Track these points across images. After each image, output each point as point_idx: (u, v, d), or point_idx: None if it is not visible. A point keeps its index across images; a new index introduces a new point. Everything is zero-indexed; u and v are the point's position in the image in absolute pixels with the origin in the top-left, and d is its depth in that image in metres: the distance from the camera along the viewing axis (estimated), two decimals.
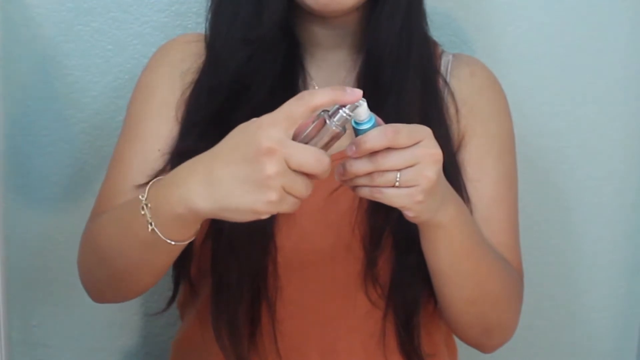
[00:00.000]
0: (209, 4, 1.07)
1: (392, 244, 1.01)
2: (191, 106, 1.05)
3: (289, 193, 0.78)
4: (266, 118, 0.79)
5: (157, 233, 0.86)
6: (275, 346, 1.03)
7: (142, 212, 0.86)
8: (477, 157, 1.07)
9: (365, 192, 0.84)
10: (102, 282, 1.02)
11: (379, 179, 0.82)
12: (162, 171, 1.02)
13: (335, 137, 0.81)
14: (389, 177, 0.82)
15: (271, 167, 0.77)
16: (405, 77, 1.04)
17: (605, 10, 1.36)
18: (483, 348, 1.09)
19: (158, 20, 1.30)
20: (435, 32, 1.17)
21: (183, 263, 1.07)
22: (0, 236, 1.28)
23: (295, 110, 0.79)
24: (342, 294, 1.04)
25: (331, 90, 0.79)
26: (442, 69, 1.10)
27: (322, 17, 1.04)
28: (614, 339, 1.48)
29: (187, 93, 1.06)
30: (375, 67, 1.04)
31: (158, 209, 0.85)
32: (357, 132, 0.82)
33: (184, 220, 0.84)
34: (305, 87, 1.06)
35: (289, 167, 0.77)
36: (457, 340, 1.15)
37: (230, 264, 1.01)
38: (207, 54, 1.07)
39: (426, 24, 1.09)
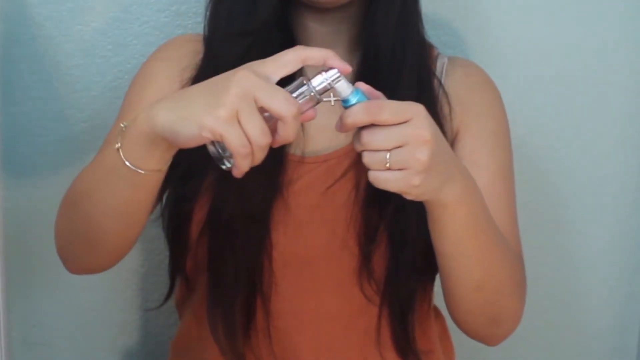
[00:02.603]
0: (208, 1, 1.08)
1: (387, 240, 1.01)
2: None
3: (240, 124, 0.76)
4: (257, 60, 0.80)
5: (120, 154, 0.85)
6: (270, 342, 1.03)
7: (117, 136, 0.86)
8: (471, 152, 1.07)
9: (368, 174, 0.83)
10: (75, 236, 0.99)
11: (368, 159, 0.81)
12: None
13: (310, 103, 0.80)
14: (378, 158, 0.80)
15: (235, 88, 0.76)
16: (400, 75, 1.04)
17: (605, 10, 1.36)
18: (489, 339, 1.08)
19: (158, 20, 1.31)
20: (435, 31, 1.17)
21: (179, 257, 1.08)
22: (1, 236, 1.29)
23: (285, 56, 0.79)
24: (337, 290, 1.04)
25: (324, 50, 0.80)
26: (438, 70, 1.11)
27: (318, 12, 1.05)
28: (614, 339, 1.48)
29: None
30: (371, 65, 1.05)
31: (129, 129, 0.85)
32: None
33: (145, 138, 0.83)
34: None
35: (256, 100, 0.76)
36: (454, 340, 1.15)
37: (226, 259, 1.02)
38: (205, 50, 1.08)
39: (422, 23, 1.10)
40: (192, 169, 1.04)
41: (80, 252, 1.02)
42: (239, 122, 0.76)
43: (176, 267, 1.10)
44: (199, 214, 1.03)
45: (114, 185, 0.89)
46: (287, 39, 1.05)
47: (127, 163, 0.85)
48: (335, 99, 0.82)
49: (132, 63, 1.30)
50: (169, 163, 0.87)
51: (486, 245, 0.96)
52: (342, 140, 1.04)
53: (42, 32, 1.28)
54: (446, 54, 1.17)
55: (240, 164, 0.78)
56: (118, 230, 0.95)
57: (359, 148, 0.82)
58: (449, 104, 1.08)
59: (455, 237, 0.92)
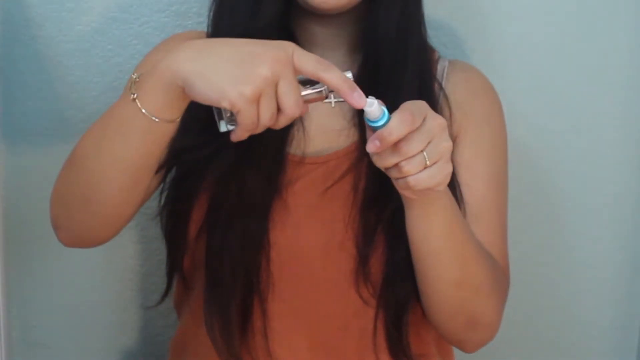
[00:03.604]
0: (211, 2, 1.08)
1: (384, 242, 1.01)
2: (192, 101, 1.05)
3: (258, 105, 0.79)
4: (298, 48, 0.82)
5: (136, 104, 0.85)
6: (266, 343, 1.03)
7: (130, 87, 0.86)
8: (468, 158, 1.07)
9: (401, 185, 0.86)
10: (74, 195, 0.97)
11: (409, 167, 0.83)
12: None
13: (318, 98, 0.84)
14: (418, 161, 0.83)
15: (267, 70, 0.78)
16: (402, 79, 1.04)
17: (604, 11, 1.36)
18: (465, 345, 1.08)
19: (158, 20, 1.31)
20: (434, 32, 1.17)
21: (176, 256, 1.08)
22: (1, 237, 1.29)
23: (309, 64, 0.81)
24: (334, 291, 1.03)
25: (343, 81, 0.81)
26: (438, 74, 1.11)
27: (320, 16, 1.04)
28: (614, 339, 1.48)
29: None
30: (373, 68, 1.05)
31: (144, 78, 0.85)
32: (374, 129, 0.83)
33: (164, 85, 0.83)
34: None
35: (276, 88, 0.79)
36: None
37: (224, 259, 1.02)
38: None
39: (424, 27, 1.10)
40: (192, 168, 1.04)
41: (78, 215, 0.99)
42: (257, 102, 0.79)
43: (174, 265, 1.10)
44: (198, 213, 1.03)
45: (125, 135, 0.88)
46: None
47: (143, 110, 0.85)
48: (336, 100, 0.83)
49: (132, 63, 1.30)
50: (181, 114, 0.87)
51: (465, 241, 0.98)
52: (342, 141, 1.04)
53: (42, 32, 1.28)
54: (445, 54, 1.17)
55: (241, 136, 0.82)
56: (123, 185, 0.93)
57: (395, 160, 0.84)
58: (449, 108, 1.08)
59: (440, 231, 0.94)
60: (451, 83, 1.10)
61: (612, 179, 1.42)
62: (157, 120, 0.85)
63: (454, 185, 1.04)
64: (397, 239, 1.00)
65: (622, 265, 1.46)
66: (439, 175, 0.85)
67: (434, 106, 1.07)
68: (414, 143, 0.82)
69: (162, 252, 1.30)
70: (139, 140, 0.88)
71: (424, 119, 0.83)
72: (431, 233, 0.95)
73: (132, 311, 1.40)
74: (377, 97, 0.84)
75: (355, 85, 0.82)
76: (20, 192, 1.33)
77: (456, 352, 1.18)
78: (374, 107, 0.82)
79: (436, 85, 1.09)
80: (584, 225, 1.44)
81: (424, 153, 0.83)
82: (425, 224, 0.94)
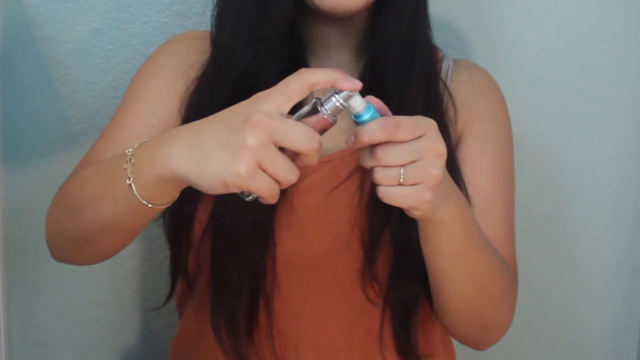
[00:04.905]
0: (215, 1, 1.07)
1: (391, 243, 1.01)
2: (195, 102, 1.05)
3: (265, 171, 0.75)
4: (262, 92, 0.77)
5: (133, 190, 0.84)
6: (272, 343, 1.03)
7: (125, 166, 0.84)
8: (473, 155, 1.07)
9: (377, 191, 0.82)
10: (68, 236, 0.98)
11: (380, 175, 0.80)
12: None
13: (326, 126, 0.78)
14: (392, 174, 0.79)
15: (251, 138, 0.74)
16: (408, 81, 1.04)
17: (605, 10, 1.36)
18: (477, 345, 1.08)
19: (158, 20, 1.31)
20: (436, 32, 1.17)
21: (180, 256, 1.07)
22: (1, 236, 1.29)
23: (291, 86, 0.77)
24: (340, 291, 1.03)
25: (331, 71, 0.77)
26: (443, 73, 1.11)
27: (329, 18, 1.04)
28: (614, 339, 1.48)
29: (192, 89, 1.06)
30: (379, 69, 1.04)
31: (140, 166, 0.83)
32: (356, 124, 0.80)
33: (163, 181, 0.82)
34: None
35: (275, 144, 0.75)
36: (455, 342, 1.15)
37: (230, 260, 1.01)
38: (212, 51, 1.07)
39: (429, 29, 1.10)
40: None
41: (71, 250, 1.01)
42: (263, 169, 0.75)
43: (178, 267, 1.09)
44: (202, 214, 1.02)
45: (119, 210, 0.88)
46: (296, 43, 1.05)
47: (140, 198, 0.84)
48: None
49: (132, 63, 1.30)
50: (177, 197, 0.87)
51: (477, 259, 0.96)
52: (338, 142, 1.04)
53: (42, 32, 1.28)
54: (447, 54, 1.17)
55: (269, 201, 0.78)
56: (114, 241, 0.95)
57: (370, 164, 0.80)
58: (454, 106, 1.08)
59: (449, 253, 0.92)
60: (455, 81, 1.10)
61: (612, 179, 1.42)
62: (152, 206, 0.85)
63: (459, 184, 1.03)
64: (404, 239, 1.00)
65: (622, 265, 1.46)
66: (412, 198, 0.80)
67: (440, 105, 1.07)
68: (391, 154, 0.79)
69: (162, 252, 1.30)
70: (132, 216, 0.88)
71: (419, 137, 0.79)
72: (439, 253, 0.93)
73: (132, 311, 1.40)
74: (382, 98, 0.82)
75: (343, 72, 0.78)
76: (20, 192, 1.33)
77: (456, 351, 1.18)
78: (353, 99, 0.78)
79: (441, 85, 1.09)
80: (584, 225, 1.44)
81: (401, 169, 0.79)
82: (432, 244, 0.92)
